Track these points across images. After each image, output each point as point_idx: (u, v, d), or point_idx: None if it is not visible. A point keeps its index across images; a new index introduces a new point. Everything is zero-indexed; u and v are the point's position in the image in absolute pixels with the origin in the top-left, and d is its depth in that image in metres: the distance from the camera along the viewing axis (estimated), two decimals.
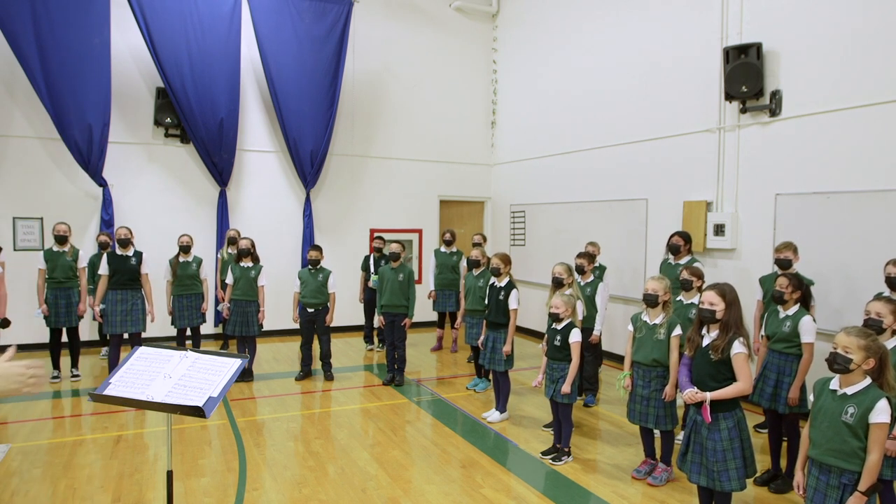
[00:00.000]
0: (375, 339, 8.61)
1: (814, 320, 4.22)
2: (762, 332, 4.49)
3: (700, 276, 4.90)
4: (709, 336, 3.43)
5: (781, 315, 4.27)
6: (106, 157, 8.08)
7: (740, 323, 3.37)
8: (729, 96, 6.19)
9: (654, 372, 4.23)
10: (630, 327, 4.43)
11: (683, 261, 5.79)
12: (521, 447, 5.01)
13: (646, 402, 4.27)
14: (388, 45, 10.05)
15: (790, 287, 4.21)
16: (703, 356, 3.41)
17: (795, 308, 4.23)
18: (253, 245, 6.89)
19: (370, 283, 8.14)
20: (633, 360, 4.34)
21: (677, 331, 4.15)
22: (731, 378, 3.31)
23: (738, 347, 3.29)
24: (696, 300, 4.72)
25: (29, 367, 1.56)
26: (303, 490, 4.15)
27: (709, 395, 3.31)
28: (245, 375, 6.86)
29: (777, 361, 4.26)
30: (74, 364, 6.85)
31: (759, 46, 5.94)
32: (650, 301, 4.23)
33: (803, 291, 4.28)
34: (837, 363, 2.70)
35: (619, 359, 7.71)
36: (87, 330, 8.19)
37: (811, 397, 2.89)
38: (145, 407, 2.51)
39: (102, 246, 7.22)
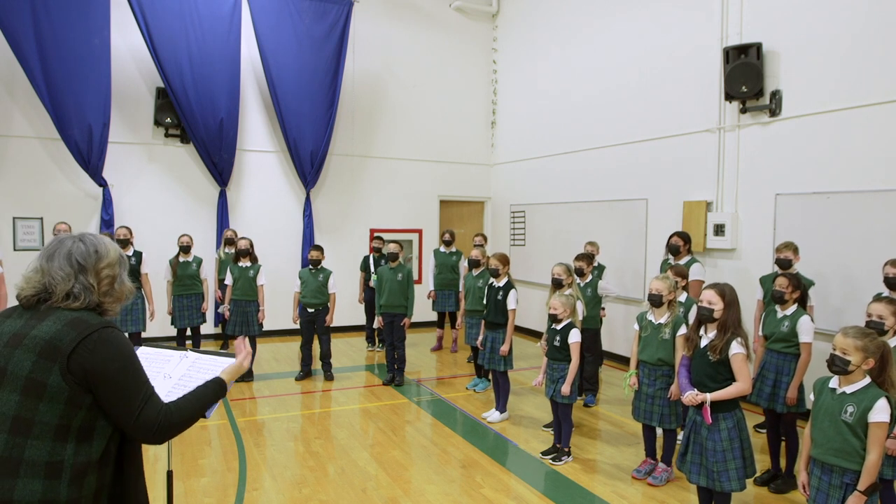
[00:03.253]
0: (376, 339, 8.61)
1: (812, 320, 4.23)
2: (759, 332, 4.49)
3: (683, 276, 5.03)
4: (706, 336, 3.43)
5: (779, 315, 4.28)
6: (106, 157, 8.07)
7: (738, 324, 3.36)
8: (729, 96, 6.19)
9: (659, 371, 4.25)
10: (636, 326, 4.45)
11: (683, 261, 5.79)
12: (521, 447, 5.01)
13: (650, 400, 4.28)
14: (388, 45, 10.05)
15: (790, 287, 4.21)
16: (702, 357, 3.41)
17: (793, 308, 4.23)
18: (251, 245, 6.89)
19: (371, 283, 8.14)
20: (639, 359, 4.36)
21: (682, 330, 4.15)
22: (730, 378, 3.31)
23: (736, 348, 3.29)
24: (681, 298, 4.82)
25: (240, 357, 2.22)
26: (303, 490, 4.15)
27: (709, 397, 3.31)
28: (245, 375, 6.86)
29: (775, 361, 4.26)
30: None
31: (759, 46, 5.94)
32: (655, 301, 4.24)
33: (802, 292, 4.29)
34: (836, 365, 2.70)
35: (619, 359, 7.72)
36: None
37: (811, 396, 2.89)
38: None
39: None
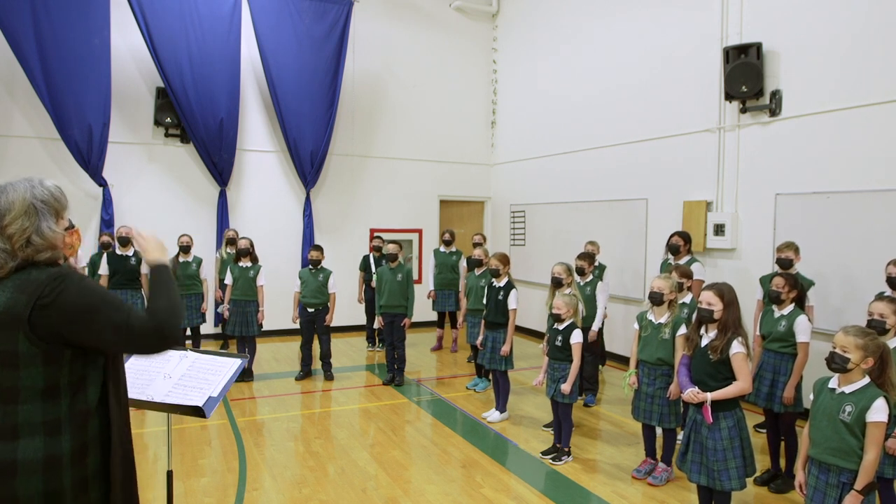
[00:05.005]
0: (376, 339, 8.61)
1: (810, 321, 4.24)
2: (757, 332, 4.50)
3: (688, 276, 4.99)
4: (707, 336, 3.43)
5: (776, 315, 4.28)
6: (106, 157, 8.07)
7: (738, 323, 3.37)
8: (729, 96, 6.19)
9: (658, 370, 4.25)
10: (636, 325, 4.45)
11: (683, 261, 5.79)
12: (521, 447, 5.01)
13: (650, 399, 4.28)
14: (388, 45, 10.05)
15: (787, 287, 4.21)
16: (702, 356, 3.41)
17: (791, 308, 4.24)
18: (252, 245, 6.89)
19: (374, 283, 8.13)
20: (639, 358, 4.35)
21: (682, 330, 4.15)
22: (730, 377, 3.32)
23: (736, 347, 3.29)
24: (686, 300, 4.80)
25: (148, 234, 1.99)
26: (303, 490, 4.15)
27: (710, 396, 3.31)
28: (245, 375, 6.86)
29: (773, 361, 4.26)
30: None
31: (759, 46, 5.94)
32: (655, 300, 4.23)
33: (800, 291, 4.29)
34: (835, 362, 2.70)
35: (619, 358, 7.72)
36: None
37: (810, 396, 2.89)
38: (145, 407, 2.51)
39: (104, 246, 7.22)
